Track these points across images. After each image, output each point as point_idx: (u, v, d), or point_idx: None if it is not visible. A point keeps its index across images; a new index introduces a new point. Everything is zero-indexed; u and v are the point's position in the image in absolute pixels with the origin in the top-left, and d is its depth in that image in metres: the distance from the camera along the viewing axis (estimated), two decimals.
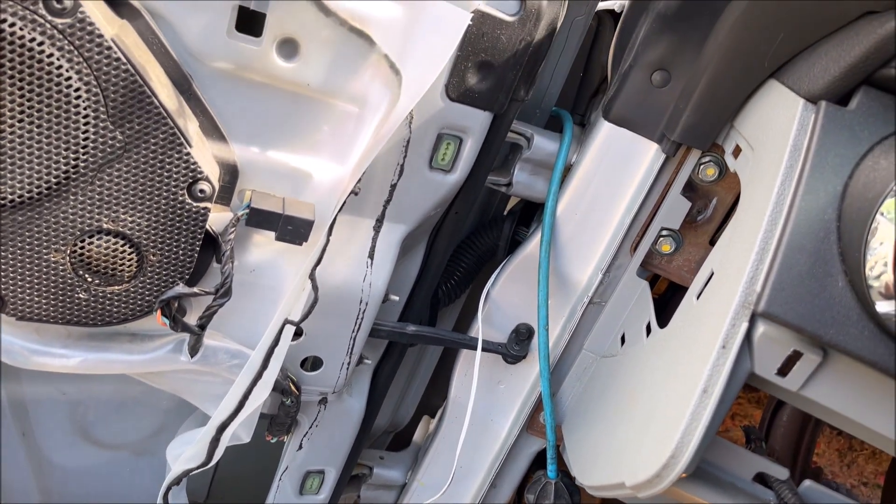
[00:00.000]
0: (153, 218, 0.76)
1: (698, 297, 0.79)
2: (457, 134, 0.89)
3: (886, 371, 0.61)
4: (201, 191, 0.76)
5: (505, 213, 1.24)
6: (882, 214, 0.60)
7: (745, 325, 0.67)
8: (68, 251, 0.76)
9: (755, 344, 0.67)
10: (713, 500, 0.79)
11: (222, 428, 0.85)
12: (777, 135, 0.72)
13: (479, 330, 1.10)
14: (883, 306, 0.61)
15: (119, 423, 1.09)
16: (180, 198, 0.76)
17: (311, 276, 0.81)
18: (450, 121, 0.87)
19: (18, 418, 1.05)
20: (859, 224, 0.61)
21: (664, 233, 0.99)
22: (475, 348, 1.10)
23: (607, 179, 0.98)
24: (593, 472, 0.88)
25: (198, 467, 0.88)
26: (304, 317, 0.82)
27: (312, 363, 1.00)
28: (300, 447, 1.09)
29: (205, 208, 0.77)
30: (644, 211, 0.99)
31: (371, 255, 0.93)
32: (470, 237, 1.23)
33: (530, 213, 1.18)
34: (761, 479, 0.82)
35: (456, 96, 0.86)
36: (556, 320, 1.09)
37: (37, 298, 0.77)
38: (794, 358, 0.66)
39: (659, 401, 0.77)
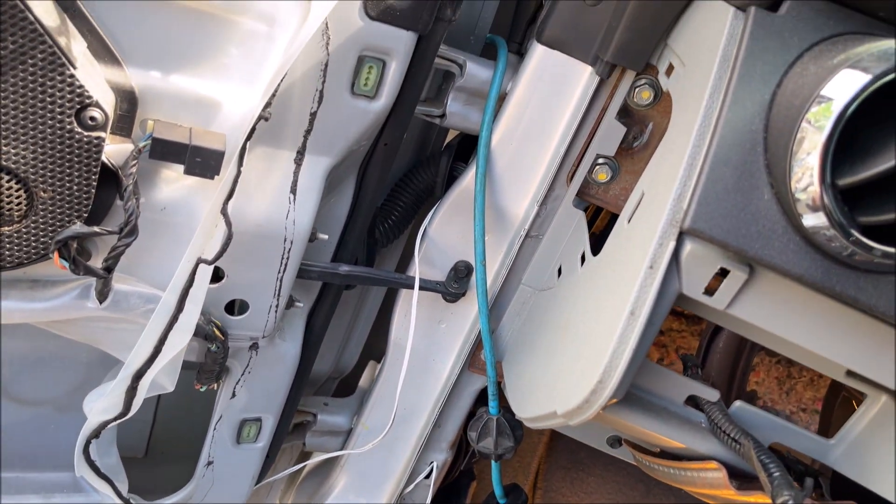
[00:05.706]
0: (40, 150, 0.69)
1: (629, 221, 0.77)
2: (379, 56, 0.83)
3: (811, 285, 0.60)
4: (92, 118, 0.69)
5: (443, 148, 1.19)
6: (808, 122, 0.57)
7: (672, 245, 0.64)
8: None
9: (682, 263, 0.65)
10: (645, 424, 0.79)
11: (138, 376, 0.81)
12: (707, 47, 0.69)
13: (416, 269, 1.07)
14: (809, 219, 0.59)
15: (38, 379, 1.03)
16: (68, 126, 0.69)
17: (223, 211, 0.76)
18: (370, 42, 0.81)
19: None
20: (785, 134, 0.59)
21: (600, 160, 0.96)
22: (413, 287, 1.07)
23: (541, 106, 0.94)
24: (528, 405, 0.86)
25: (115, 418, 0.83)
26: (220, 254, 0.77)
27: (238, 307, 0.95)
28: (233, 395, 1.05)
29: (98, 138, 0.70)
30: (579, 138, 0.95)
31: (293, 190, 0.88)
32: (407, 175, 1.18)
33: (468, 147, 1.13)
34: (693, 402, 0.82)
35: (375, 14, 0.79)
36: (493, 256, 1.06)
37: None
38: (720, 276, 0.65)
39: (590, 328, 0.75)
